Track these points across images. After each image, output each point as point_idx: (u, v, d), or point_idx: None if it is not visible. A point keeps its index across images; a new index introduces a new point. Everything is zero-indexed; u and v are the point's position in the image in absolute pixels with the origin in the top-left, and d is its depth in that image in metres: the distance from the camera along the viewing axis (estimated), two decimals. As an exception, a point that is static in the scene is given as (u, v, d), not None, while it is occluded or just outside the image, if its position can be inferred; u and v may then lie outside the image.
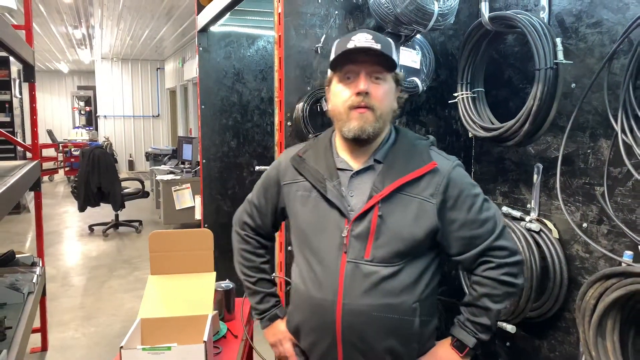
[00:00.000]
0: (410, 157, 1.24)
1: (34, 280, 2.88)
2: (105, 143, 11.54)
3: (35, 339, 3.32)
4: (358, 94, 1.19)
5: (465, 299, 1.28)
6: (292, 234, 1.35)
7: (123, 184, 6.46)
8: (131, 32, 8.23)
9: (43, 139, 11.50)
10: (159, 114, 12.53)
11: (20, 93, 7.64)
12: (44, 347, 3.37)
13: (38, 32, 7.98)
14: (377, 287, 1.20)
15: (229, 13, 2.80)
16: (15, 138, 5.86)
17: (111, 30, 8.04)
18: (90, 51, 10.37)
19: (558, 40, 1.45)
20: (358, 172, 1.26)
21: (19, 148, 6.70)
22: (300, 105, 1.75)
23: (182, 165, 6.76)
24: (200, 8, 3.21)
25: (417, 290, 1.22)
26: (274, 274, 1.45)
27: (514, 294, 1.27)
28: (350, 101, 1.21)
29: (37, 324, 3.28)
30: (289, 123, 1.77)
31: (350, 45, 1.19)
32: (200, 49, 3.37)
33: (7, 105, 7.56)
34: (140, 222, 6.69)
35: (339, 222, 1.23)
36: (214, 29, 3.31)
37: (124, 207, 6.42)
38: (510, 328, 1.69)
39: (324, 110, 1.76)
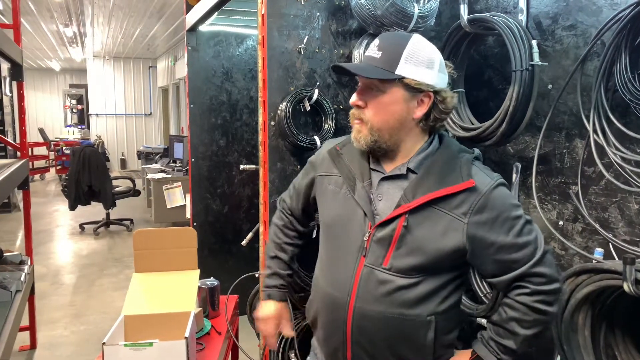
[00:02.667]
0: (448, 171, 1.16)
1: (22, 279, 2.89)
2: (97, 141, 11.50)
3: (24, 337, 3.33)
4: (356, 106, 1.20)
5: (494, 317, 1.22)
6: (320, 226, 1.35)
7: (114, 182, 6.46)
8: (123, 30, 8.21)
9: (35, 137, 11.47)
10: (151, 112, 12.50)
11: (11, 91, 7.60)
12: (33, 345, 3.38)
13: (28, 30, 7.94)
14: (390, 296, 1.17)
15: (217, 13, 2.82)
16: (5, 137, 5.85)
17: (102, 28, 8.02)
18: (82, 49, 10.33)
19: (534, 43, 1.48)
20: (389, 177, 1.21)
21: (9, 147, 6.68)
22: (283, 105, 1.77)
23: (173, 164, 6.77)
24: (189, 7, 3.22)
25: (433, 303, 1.19)
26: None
27: (546, 322, 1.18)
28: (352, 111, 1.23)
29: (26, 322, 3.29)
30: (272, 123, 1.80)
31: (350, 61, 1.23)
32: (189, 48, 3.39)
33: (-3, 104, 7.52)
34: (131, 220, 6.68)
35: (363, 224, 1.20)
36: (202, 28, 3.33)
37: (115, 205, 6.42)
38: (481, 322, 1.72)
39: (306, 110, 1.79)
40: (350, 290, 1.20)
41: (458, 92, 1.80)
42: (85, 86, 12.53)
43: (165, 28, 7.90)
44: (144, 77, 12.38)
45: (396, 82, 1.14)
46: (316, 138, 1.78)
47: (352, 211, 1.23)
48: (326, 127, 1.81)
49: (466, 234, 1.14)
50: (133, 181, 6.58)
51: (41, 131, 11.35)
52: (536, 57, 1.47)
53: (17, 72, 3.06)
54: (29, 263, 3.22)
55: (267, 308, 1.44)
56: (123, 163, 12.30)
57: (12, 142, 3.24)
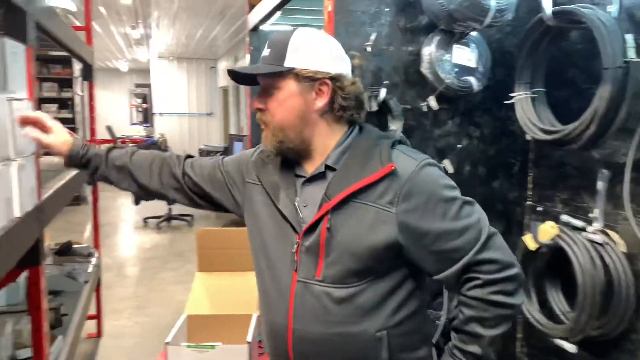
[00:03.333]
0: (368, 160, 1.06)
1: (90, 270, 3.00)
2: (161, 139, 11.91)
3: (91, 325, 3.47)
4: (258, 110, 1.14)
5: (455, 322, 1.09)
6: (251, 240, 1.23)
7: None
8: (186, 31, 8.44)
9: (103, 134, 12.01)
10: (212, 112, 12.80)
11: (82, 91, 7.99)
12: (99, 334, 3.52)
13: (99, 33, 8.32)
14: (329, 312, 1.05)
15: (279, 12, 2.80)
16: (76, 134, 6.16)
17: (167, 29, 8.27)
18: (147, 50, 10.72)
19: (629, 37, 1.35)
20: (309, 180, 1.12)
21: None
22: (349, 105, 1.72)
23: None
24: (252, 7, 3.23)
25: (381, 315, 1.06)
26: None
27: (510, 317, 1.06)
28: None
29: (93, 311, 3.42)
30: (337, 123, 1.74)
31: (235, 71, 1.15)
32: (252, 48, 3.39)
33: (69, 103, 7.94)
34: (192, 216, 6.86)
35: (292, 235, 1.10)
36: (264, 28, 3.33)
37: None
38: (570, 347, 1.59)
39: (372, 110, 1.72)
40: (286, 313, 1.09)
41: (537, 92, 1.68)
42: (149, 86, 12.99)
43: (226, 29, 8.05)
44: (206, 78, 12.70)
45: (288, 75, 1.08)
46: (382, 139, 1.72)
47: (279, 223, 1.12)
48: (393, 127, 1.74)
49: (397, 225, 1.03)
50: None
51: (109, 129, 11.84)
52: (631, 53, 1.34)
53: (88, 72, 3.18)
54: (97, 255, 3.34)
55: (62, 131, 1.33)
56: (184, 160, 12.65)
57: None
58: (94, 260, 3.12)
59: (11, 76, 1.35)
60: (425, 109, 1.78)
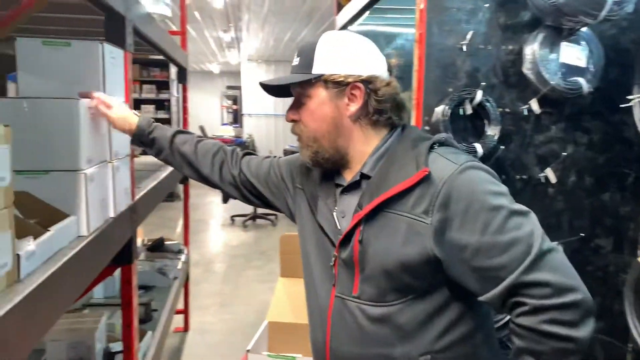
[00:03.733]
0: (403, 165, 0.97)
1: (179, 267, 3.12)
2: (249, 140, 12.29)
3: (179, 320, 3.61)
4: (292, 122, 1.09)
5: (509, 355, 0.94)
6: (300, 250, 1.18)
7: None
8: (274, 34, 8.62)
9: (196, 133, 12.61)
10: (297, 112, 12.98)
11: (178, 92, 8.41)
12: (186, 328, 3.65)
13: (193, 37, 8.72)
14: (365, 332, 0.98)
15: (368, 12, 2.74)
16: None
17: (256, 33, 8.49)
18: (238, 53, 11.09)
19: None
20: (347, 188, 1.06)
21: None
22: (439, 109, 1.62)
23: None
24: (340, 8, 3.19)
25: (425, 338, 0.96)
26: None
27: (575, 352, 0.86)
28: None
29: (181, 306, 3.56)
30: (426, 127, 1.65)
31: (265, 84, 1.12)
32: (338, 49, 3.36)
33: (166, 104, 8.38)
34: (276, 216, 6.98)
35: (330, 248, 1.04)
36: (352, 28, 3.27)
37: (262, 201, 6.75)
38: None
39: (467, 114, 1.61)
40: (325, 330, 1.03)
41: (660, 94, 1.48)
42: (240, 88, 13.45)
43: (314, 31, 8.11)
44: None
45: (317, 83, 1.03)
46: (477, 145, 1.59)
47: (318, 234, 1.07)
48: (489, 132, 1.61)
49: (433, 238, 0.91)
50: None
51: (201, 129, 12.40)
52: None
53: (182, 75, 3.30)
54: (186, 252, 3.47)
55: (127, 110, 1.36)
56: (270, 160, 12.96)
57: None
58: (183, 257, 3.24)
59: (109, 80, 1.41)
60: (525, 112, 1.64)
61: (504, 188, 0.95)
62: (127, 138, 1.56)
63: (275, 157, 1.33)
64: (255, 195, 1.30)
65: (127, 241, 1.59)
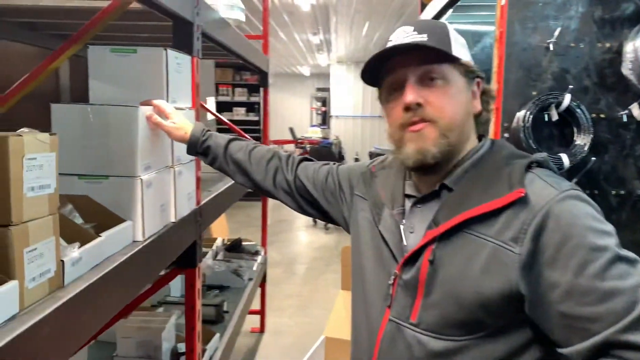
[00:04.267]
0: (493, 182, 0.84)
1: (255, 268, 3.15)
2: (336, 141, 12.33)
3: (256, 320, 3.66)
4: (407, 108, 0.88)
5: None
6: (352, 261, 1.07)
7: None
8: (363, 35, 8.55)
9: (286, 135, 12.88)
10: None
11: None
12: (262, 329, 3.69)
13: (283, 40, 8.89)
14: None
15: (451, 9, 2.58)
16: (267, 135, 6.66)
17: (344, 34, 8.47)
18: (328, 55, 11.16)
19: None
20: (421, 200, 0.93)
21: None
22: (521, 114, 1.45)
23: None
24: (424, 7, 3.06)
25: None
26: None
27: None
28: (401, 119, 0.90)
29: (257, 306, 3.61)
30: (505, 135, 1.49)
31: (383, 49, 0.92)
32: (422, 49, 3.22)
33: (256, 107, 8.63)
34: (358, 219, 6.91)
35: (391, 264, 0.91)
36: (436, 27, 3.12)
37: (345, 203, 6.72)
38: None
39: (552, 120, 1.43)
40: (371, 353, 0.91)
41: None
42: (328, 89, 13.54)
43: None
44: (381, 80, 12.77)
45: (458, 66, 0.90)
46: (563, 156, 1.41)
47: (378, 247, 0.95)
48: (579, 142, 1.42)
49: (520, 270, 0.78)
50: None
51: (291, 130, 12.66)
52: None
53: (263, 79, 3.34)
54: (263, 254, 3.51)
55: (182, 119, 1.33)
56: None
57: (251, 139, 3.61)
58: (259, 259, 3.27)
59: (172, 85, 1.41)
60: (625, 119, 1.43)
61: (610, 227, 0.80)
62: (191, 143, 1.58)
63: (334, 164, 1.26)
64: (309, 203, 1.23)
65: (190, 245, 1.60)
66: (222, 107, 8.44)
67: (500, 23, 1.51)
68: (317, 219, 1.28)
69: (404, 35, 0.90)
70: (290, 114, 15.48)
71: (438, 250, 0.85)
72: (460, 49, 0.92)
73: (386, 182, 1.03)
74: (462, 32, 2.98)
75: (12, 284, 0.77)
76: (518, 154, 0.91)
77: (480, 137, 0.96)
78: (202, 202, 1.71)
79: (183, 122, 1.33)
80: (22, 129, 1.59)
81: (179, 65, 1.46)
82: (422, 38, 0.88)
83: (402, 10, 6.66)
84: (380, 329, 0.91)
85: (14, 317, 0.77)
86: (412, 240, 0.91)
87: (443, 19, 2.87)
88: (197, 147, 1.31)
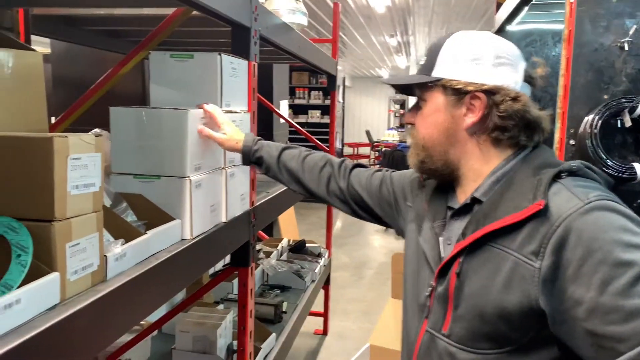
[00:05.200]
0: (519, 194, 0.83)
1: (317, 271, 3.16)
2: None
3: (320, 322, 3.68)
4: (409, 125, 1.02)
5: None
6: (404, 270, 1.08)
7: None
8: (441, 36, 8.34)
9: (363, 138, 12.88)
10: (466, 117, 12.44)
11: (343, 98, 8.66)
12: (325, 331, 3.70)
13: (361, 43, 8.89)
14: None
15: (526, 8, 2.45)
16: (335, 139, 6.71)
17: (422, 36, 8.31)
18: (406, 57, 11.01)
19: None
20: (457, 212, 0.94)
21: (337, 147, 7.62)
22: (589, 119, 1.34)
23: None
24: (499, 6, 2.93)
25: None
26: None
27: None
28: None
29: (321, 308, 3.62)
30: (571, 141, 1.39)
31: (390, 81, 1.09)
32: (496, 50, 3.08)
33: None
34: (431, 225, 6.74)
35: (429, 276, 0.94)
36: (512, 28, 2.97)
37: (417, 208, 6.58)
38: None
39: (625, 126, 1.31)
40: None
41: None
42: (407, 92, 13.34)
43: (486, 30, 7.65)
44: (462, 82, 12.39)
45: (435, 87, 0.93)
46: (636, 166, 1.28)
47: (419, 259, 0.98)
48: (654, 151, 1.29)
49: (540, 285, 0.76)
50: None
51: (367, 133, 12.64)
52: None
53: (331, 82, 3.35)
54: (327, 256, 3.51)
55: (233, 129, 1.36)
56: (434, 166, 12.61)
57: (320, 143, 3.60)
58: (322, 261, 3.28)
59: (226, 89, 1.45)
60: None
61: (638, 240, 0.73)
62: (245, 145, 1.61)
63: (387, 170, 1.26)
64: (364, 209, 1.25)
65: (243, 246, 1.63)
66: (297, 109, 8.59)
67: (569, 22, 1.41)
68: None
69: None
70: (367, 116, 15.45)
71: (465, 262, 0.86)
72: (446, 65, 0.93)
73: (431, 192, 1.04)
74: (541, 32, 2.79)
75: (53, 276, 0.82)
76: (550, 162, 0.88)
77: (523, 147, 0.92)
78: (257, 204, 1.74)
79: (234, 132, 1.36)
80: (94, 130, 1.71)
81: (234, 70, 1.50)
82: (422, 61, 0.99)
83: (481, 11, 6.43)
84: (418, 339, 0.94)
85: (54, 307, 0.82)
86: (448, 252, 0.92)
87: (518, 19, 2.74)
88: (249, 157, 1.35)
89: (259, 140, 1.36)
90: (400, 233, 1.17)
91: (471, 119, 0.91)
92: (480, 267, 0.84)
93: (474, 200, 0.91)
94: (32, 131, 1.13)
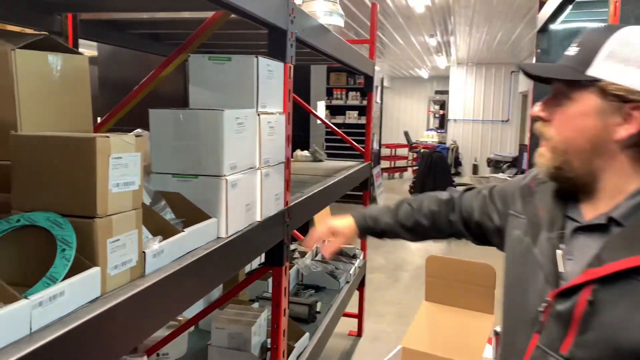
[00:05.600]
0: None
1: (352, 272, 3.16)
2: (452, 146, 11.95)
3: (354, 323, 3.67)
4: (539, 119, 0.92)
5: None
6: (505, 277, 1.04)
7: (457, 188, 6.54)
8: (484, 36, 8.19)
9: (401, 138, 12.79)
10: (508, 119, 12.16)
11: (381, 99, 8.62)
12: (359, 333, 3.69)
13: (400, 43, 8.82)
14: None
15: (570, 6, 2.38)
16: (372, 140, 6.69)
17: (464, 36, 8.18)
18: (447, 58, 10.85)
19: None
20: (584, 228, 0.86)
21: (374, 148, 7.59)
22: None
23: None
24: (542, 5, 2.86)
25: None
26: None
27: None
28: None
29: (356, 310, 3.62)
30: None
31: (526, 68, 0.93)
32: (539, 51, 3.01)
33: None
34: (470, 228, 6.63)
35: (543, 288, 0.87)
36: (555, 27, 2.89)
37: (456, 211, 6.49)
38: None
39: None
40: None
41: None
42: (447, 92, 13.18)
43: (529, 30, 7.47)
44: (504, 83, 12.12)
45: (589, 87, 0.83)
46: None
47: (530, 269, 0.92)
48: None
49: None
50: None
51: (406, 134, 12.53)
52: None
53: (368, 84, 3.34)
54: (362, 257, 3.51)
55: (339, 220, 1.38)
56: (475, 169, 12.40)
57: (356, 145, 3.59)
58: (357, 262, 3.28)
59: (263, 91, 1.48)
60: None
61: None
62: (281, 147, 1.64)
63: (493, 187, 1.22)
64: (478, 236, 1.23)
65: (277, 245, 1.66)
66: (335, 110, 8.61)
67: (613, 20, 1.37)
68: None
69: (571, 46, 0.90)
70: (406, 117, 15.30)
71: (599, 291, 0.79)
72: (608, 66, 0.82)
73: (546, 199, 0.96)
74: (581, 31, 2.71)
75: (94, 270, 0.86)
76: None
77: None
78: (291, 204, 1.76)
79: (343, 224, 1.38)
80: (136, 130, 1.77)
81: (270, 72, 1.52)
82: (572, 52, 0.88)
83: (524, 10, 6.27)
84: (526, 353, 0.89)
85: (96, 300, 0.86)
86: (569, 267, 0.86)
87: (561, 17, 2.66)
88: (371, 234, 1.38)
89: (365, 215, 1.38)
90: (500, 245, 1.12)
91: (628, 130, 0.81)
92: (621, 300, 0.78)
93: (610, 220, 0.83)
94: (78, 130, 1.19)
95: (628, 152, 0.83)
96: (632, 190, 0.83)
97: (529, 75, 0.94)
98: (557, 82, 0.88)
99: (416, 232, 1.31)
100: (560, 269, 0.86)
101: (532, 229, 0.95)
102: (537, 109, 0.91)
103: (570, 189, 0.91)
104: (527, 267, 0.93)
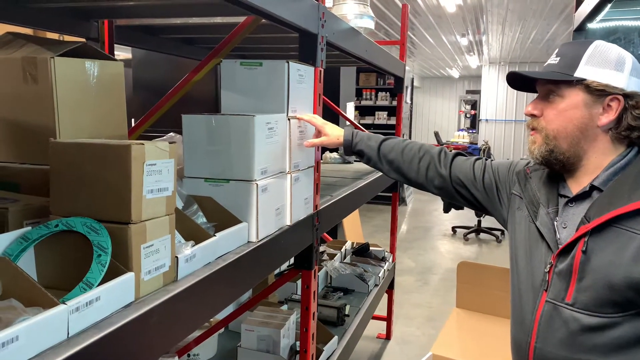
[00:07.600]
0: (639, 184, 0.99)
1: (381, 275, 3.14)
2: (484, 147, 11.74)
3: (383, 326, 3.65)
4: (530, 116, 1.12)
5: None
6: (510, 253, 1.23)
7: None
8: (517, 34, 8.02)
9: (431, 139, 12.65)
10: (542, 119, 11.88)
11: (411, 99, 8.54)
12: (388, 336, 3.66)
13: (431, 42, 8.72)
14: (576, 338, 1.01)
15: (609, 4, 2.31)
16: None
17: (496, 35, 8.03)
18: (478, 57, 10.68)
19: None
20: (574, 199, 1.08)
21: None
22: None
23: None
24: (579, 4, 2.77)
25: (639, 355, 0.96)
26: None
27: None
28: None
29: (384, 312, 3.60)
30: None
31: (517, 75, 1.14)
32: (575, 50, 2.92)
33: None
34: (502, 232, 6.49)
35: (545, 255, 1.08)
36: (593, 25, 2.81)
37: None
38: None
39: None
40: (530, 330, 1.09)
41: None
42: (479, 92, 12.96)
43: (565, 27, 7.28)
44: (538, 82, 11.85)
45: (576, 85, 1.05)
46: None
47: (534, 241, 1.12)
48: None
49: None
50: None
51: (436, 134, 12.37)
52: None
53: (398, 85, 3.32)
54: (391, 260, 3.48)
55: (333, 127, 1.55)
56: (506, 169, 12.15)
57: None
58: (386, 265, 3.26)
59: (294, 96, 1.48)
60: None
61: None
62: (310, 151, 1.64)
63: (487, 159, 1.38)
64: (463, 195, 1.36)
65: (307, 248, 1.66)
66: (364, 111, 8.58)
67: (656, 21, 1.31)
68: (463, 207, 1.42)
69: (551, 57, 1.12)
70: (437, 117, 15.14)
71: (590, 242, 1.00)
72: (590, 68, 1.04)
73: (541, 183, 1.16)
74: (625, 29, 2.63)
75: (129, 276, 0.88)
76: None
77: (632, 144, 1.06)
78: (320, 207, 1.76)
79: (333, 130, 1.55)
80: (169, 134, 1.80)
81: (300, 76, 1.52)
82: (554, 61, 1.09)
83: (559, 8, 6.12)
84: (538, 309, 1.07)
85: (130, 305, 0.87)
86: (564, 234, 1.07)
87: (600, 16, 2.58)
88: (350, 150, 1.53)
89: (358, 133, 1.53)
90: (500, 218, 1.30)
91: (607, 117, 1.04)
92: (606, 245, 0.98)
93: (592, 188, 1.04)
94: (113, 136, 1.22)
95: (607, 134, 1.05)
96: (607, 164, 1.05)
97: (516, 81, 1.15)
98: (549, 84, 1.08)
99: (394, 167, 1.46)
100: (558, 236, 1.07)
101: (532, 206, 1.14)
102: (529, 108, 1.12)
103: (560, 170, 1.11)
104: (530, 240, 1.12)
